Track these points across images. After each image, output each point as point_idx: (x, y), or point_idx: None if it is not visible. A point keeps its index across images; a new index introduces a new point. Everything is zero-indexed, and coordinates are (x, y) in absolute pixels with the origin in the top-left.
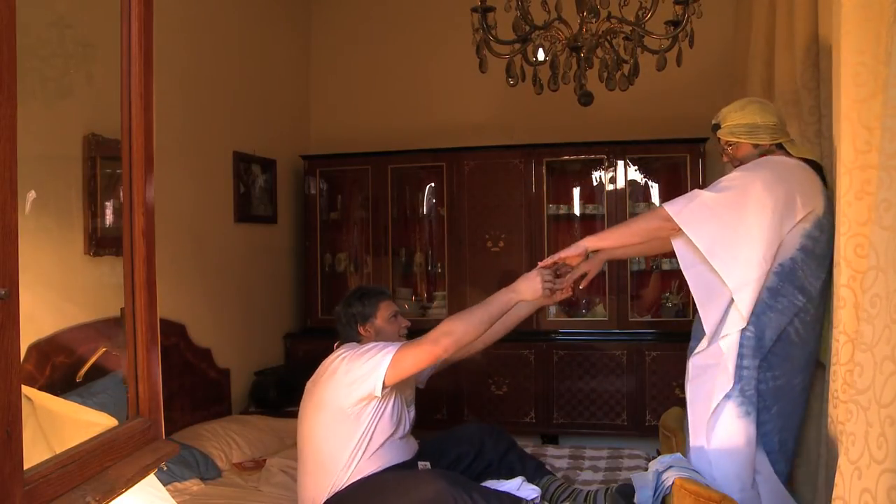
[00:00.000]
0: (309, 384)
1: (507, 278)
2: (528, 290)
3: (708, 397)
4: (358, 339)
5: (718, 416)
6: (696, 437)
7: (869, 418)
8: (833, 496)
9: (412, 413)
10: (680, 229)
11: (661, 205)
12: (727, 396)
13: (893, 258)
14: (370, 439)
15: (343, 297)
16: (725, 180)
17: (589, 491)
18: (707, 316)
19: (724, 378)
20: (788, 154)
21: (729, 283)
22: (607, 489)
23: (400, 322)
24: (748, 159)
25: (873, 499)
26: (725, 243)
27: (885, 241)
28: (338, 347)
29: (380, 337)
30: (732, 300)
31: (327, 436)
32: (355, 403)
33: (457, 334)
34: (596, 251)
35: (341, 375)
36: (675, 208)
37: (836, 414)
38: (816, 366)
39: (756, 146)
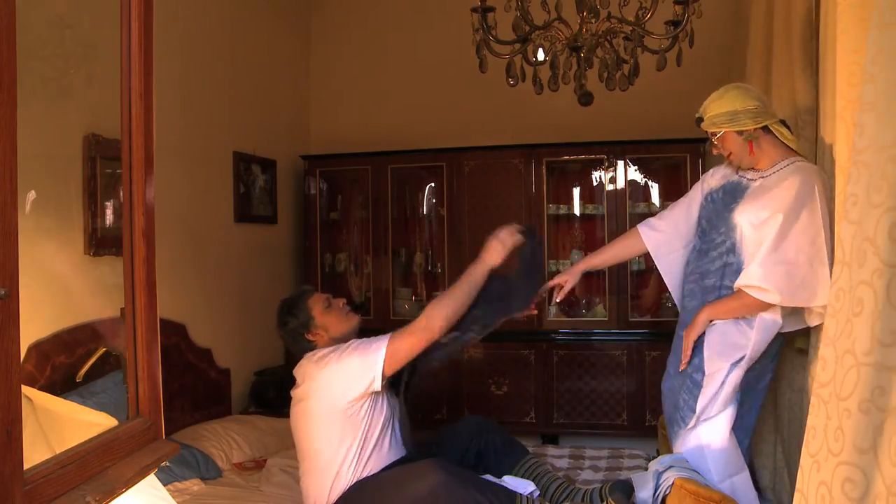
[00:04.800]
0: (294, 391)
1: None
2: (492, 256)
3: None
4: (313, 347)
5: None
6: (685, 427)
7: (829, 411)
8: (795, 488)
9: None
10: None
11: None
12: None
13: (857, 253)
14: (370, 432)
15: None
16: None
17: (587, 490)
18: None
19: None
20: (775, 137)
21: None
22: (602, 486)
23: (337, 304)
24: (738, 149)
25: (829, 491)
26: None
27: (851, 236)
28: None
29: (331, 330)
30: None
31: (329, 439)
32: (353, 402)
33: (447, 313)
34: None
35: (334, 379)
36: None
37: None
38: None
39: (740, 133)
